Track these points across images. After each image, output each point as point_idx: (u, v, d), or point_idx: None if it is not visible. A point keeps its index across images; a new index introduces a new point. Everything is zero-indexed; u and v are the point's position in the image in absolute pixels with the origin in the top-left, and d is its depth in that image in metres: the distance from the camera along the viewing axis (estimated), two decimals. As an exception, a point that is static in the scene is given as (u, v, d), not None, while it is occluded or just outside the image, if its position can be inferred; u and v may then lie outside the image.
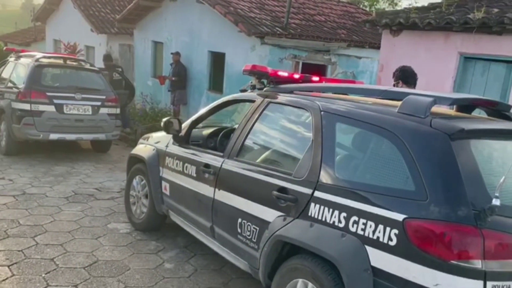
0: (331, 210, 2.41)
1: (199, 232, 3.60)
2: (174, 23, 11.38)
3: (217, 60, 10.46)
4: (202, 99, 10.78)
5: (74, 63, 7.56)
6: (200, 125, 4.15)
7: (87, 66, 7.70)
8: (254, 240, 2.90)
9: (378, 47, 11.09)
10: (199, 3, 9.94)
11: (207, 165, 3.45)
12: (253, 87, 3.59)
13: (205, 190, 3.43)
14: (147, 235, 4.32)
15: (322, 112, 2.72)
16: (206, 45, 10.44)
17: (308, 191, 2.56)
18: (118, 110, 7.45)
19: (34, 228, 4.24)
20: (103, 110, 7.15)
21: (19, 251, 3.74)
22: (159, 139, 4.35)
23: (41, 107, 6.63)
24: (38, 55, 7.41)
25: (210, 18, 10.19)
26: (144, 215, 4.38)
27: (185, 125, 3.99)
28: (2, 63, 8.26)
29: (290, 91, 3.21)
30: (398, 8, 27.75)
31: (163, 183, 4.09)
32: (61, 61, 7.39)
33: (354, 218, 2.29)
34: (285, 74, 3.55)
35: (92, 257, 3.76)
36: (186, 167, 3.73)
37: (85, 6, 14.88)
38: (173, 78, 10.79)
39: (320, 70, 9.91)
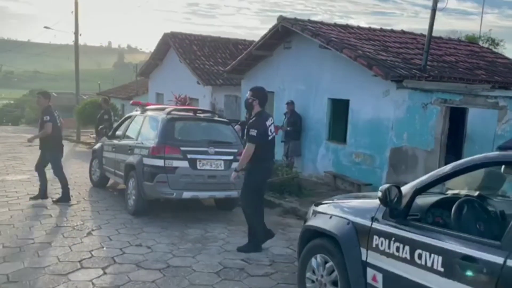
0: None
1: None
2: (288, 71, 10.83)
3: (337, 107, 9.61)
4: (320, 150, 9.88)
5: (203, 115, 7.06)
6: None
7: (216, 117, 7.19)
8: None
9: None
10: (321, 49, 9.27)
11: (469, 258, 2.39)
12: (525, 144, 2.53)
13: (469, 295, 2.35)
14: (339, 337, 3.28)
15: None
16: (326, 92, 9.65)
17: None
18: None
19: (199, 321, 3.40)
20: (235, 165, 6.43)
21: None
22: (353, 209, 3.40)
23: (175, 163, 6.07)
24: (169, 107, 7.03)
25: (330, 64, 9.46)
26: (333, 309, 3.36)
27: (404, 193, 2.99)
28: (126, 118, 8.05)
29: None
30: (500, 48, 25.60)
31: (370, 271, 3.06)
32: (191, 113, 6.93)
33: None
34: None
35: None
36: (420, 255, 2.68)
37: (191, 60, 15.10)
38: (288, 128, 10.09)
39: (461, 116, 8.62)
